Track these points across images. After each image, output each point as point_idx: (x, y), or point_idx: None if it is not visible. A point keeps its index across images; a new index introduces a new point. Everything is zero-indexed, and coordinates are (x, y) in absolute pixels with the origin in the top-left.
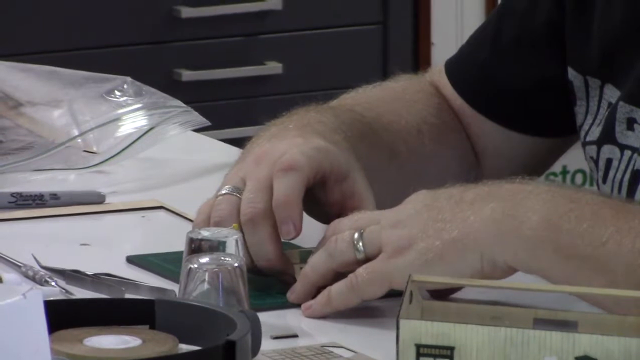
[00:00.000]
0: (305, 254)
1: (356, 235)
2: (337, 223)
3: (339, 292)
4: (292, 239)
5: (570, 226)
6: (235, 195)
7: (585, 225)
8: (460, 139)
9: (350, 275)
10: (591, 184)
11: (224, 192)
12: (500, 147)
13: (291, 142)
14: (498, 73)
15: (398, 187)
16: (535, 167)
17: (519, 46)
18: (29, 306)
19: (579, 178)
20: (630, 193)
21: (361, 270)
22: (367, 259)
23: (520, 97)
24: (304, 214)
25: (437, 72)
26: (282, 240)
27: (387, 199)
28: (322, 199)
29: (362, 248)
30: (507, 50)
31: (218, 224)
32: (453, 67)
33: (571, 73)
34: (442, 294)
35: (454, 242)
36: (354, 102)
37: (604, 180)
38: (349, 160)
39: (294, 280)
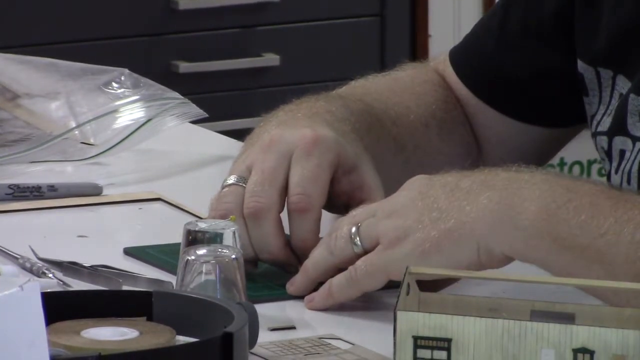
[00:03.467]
0: None
1: (353, 229)
2: (337, 221)
3: (339, 286)
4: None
5: (568, 217)
6: (241, 185)
7: (584, 216)
8: (465, 134)
9: (350, 269)
10: (589, 176)
11: (229, 182)
12: (503, 137)
13: (299, 133)
14: (504, 62)
15: (402, 181)
16: (537, 157)
17: (525, 36)
18: (26, 298)
19: (576, 170)
20: None
21: (360, 263)
22: (366, 252)
23: (526, 87)
24: None
25: (441, 60)
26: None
27: (390, 192)
28: (330, 189)
29: (359, 242)
30: (513, 39)
31: (224, 217)
32: (458, 56)
33: (581, 65)
34: (435, 285)
35: (450, 232)
36: (363, 91)
37: (617, 172)
38: (357, 151)
39: (297, 271)
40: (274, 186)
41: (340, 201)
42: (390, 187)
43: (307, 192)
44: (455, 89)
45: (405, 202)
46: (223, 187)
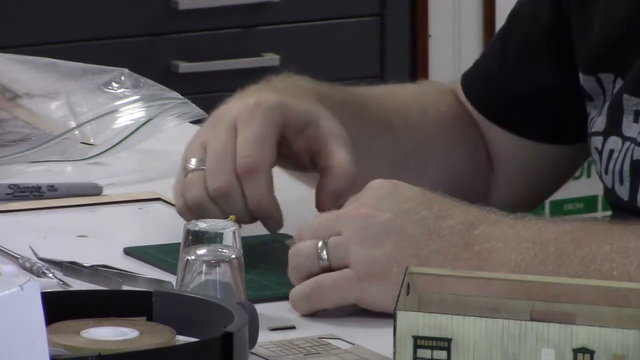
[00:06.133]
0: None
1: (320, 244)
2: (298, 232)
3: (301, 300)
4: (277, 230)
5: (536, 271)
6: (203, 169)
7: (551, 267)
8: (470, 132)
9: (314, 285)
10: (589, 176)
11: (191, 167)
12: (513, 154)
13: (242, 102)
14: (507, 81)
15: (395, 159)
16: (551, 175)
17: (524, 55)
18: (26, 298)
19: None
20: (634, 183)
21: (328, 282)
22: (331, 269)
23: (530, 105)
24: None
25: (455, 82)
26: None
27: (381, 170)
28: (290, 152)
29: (325, 257)
30: (514, 59)
31: (199, 208)
32: (467, 77)
33: (582, 78)
34: None
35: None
36: (354, 89)
37: (606, 172)
38: (308, 109)
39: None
40: (230, 160)
41: (303, 159)
42: (379, 165)
43: (251, 153)
44: (467, 108)
45: (378, 229)
46: (186, 173)
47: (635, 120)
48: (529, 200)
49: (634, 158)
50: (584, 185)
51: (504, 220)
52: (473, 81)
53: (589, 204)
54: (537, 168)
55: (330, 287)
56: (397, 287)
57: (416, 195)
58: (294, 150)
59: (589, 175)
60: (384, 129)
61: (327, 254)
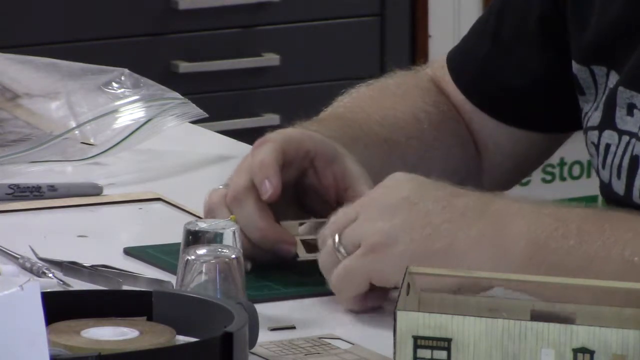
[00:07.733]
0: (306, 226)
1: (336, 238)
2: (321, 232)
3: (336, 294)
4: (272, 198)
5: (557, 245)
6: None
7: (572, 242)
8: (460, 128)
9: (334, 275)
10: (589, 176)
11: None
12: (500, 142)
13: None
14: (498, 70)
15: None
16: (534, 161)
17: (517, 43)
18: (26, 298)
19: (576, 170)
20: (630, 178)
21: (343, 268)
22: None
23: (521, 94)
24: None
25: (439, 66)
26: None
27: None
28: (318, 188)
29: (343, 250)
30: (506, 47)
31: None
32: (455, 62)
33: (575, 67)
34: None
35: (439, 254)
36: (345, 109)
37: (603, 166)
38: (334, 146)
39: (293, 250)
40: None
41: (329, 197)
42: None
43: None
44: (452, 95)
45: (390, 203)
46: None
47: (629, 114)
48: (508, 183)
49: (634, 153)
50: (584, 185)
51: (521, 200)
52: (463, 69)
53: (589, 204)
54: (522, 154)
55: (345, 271)
56: (402, 258)
57: (432, 181)
58: (322, 183)
59: (589, 175)
60: (391, 148)
61: (343, 245)
